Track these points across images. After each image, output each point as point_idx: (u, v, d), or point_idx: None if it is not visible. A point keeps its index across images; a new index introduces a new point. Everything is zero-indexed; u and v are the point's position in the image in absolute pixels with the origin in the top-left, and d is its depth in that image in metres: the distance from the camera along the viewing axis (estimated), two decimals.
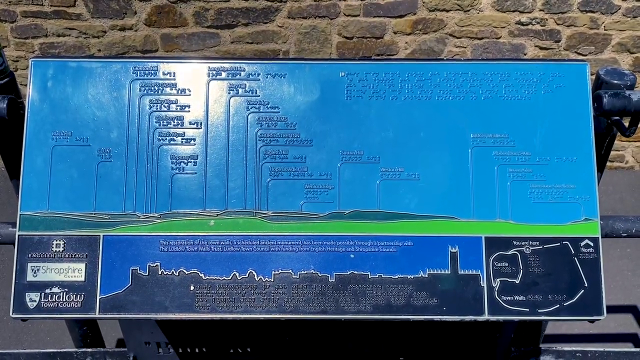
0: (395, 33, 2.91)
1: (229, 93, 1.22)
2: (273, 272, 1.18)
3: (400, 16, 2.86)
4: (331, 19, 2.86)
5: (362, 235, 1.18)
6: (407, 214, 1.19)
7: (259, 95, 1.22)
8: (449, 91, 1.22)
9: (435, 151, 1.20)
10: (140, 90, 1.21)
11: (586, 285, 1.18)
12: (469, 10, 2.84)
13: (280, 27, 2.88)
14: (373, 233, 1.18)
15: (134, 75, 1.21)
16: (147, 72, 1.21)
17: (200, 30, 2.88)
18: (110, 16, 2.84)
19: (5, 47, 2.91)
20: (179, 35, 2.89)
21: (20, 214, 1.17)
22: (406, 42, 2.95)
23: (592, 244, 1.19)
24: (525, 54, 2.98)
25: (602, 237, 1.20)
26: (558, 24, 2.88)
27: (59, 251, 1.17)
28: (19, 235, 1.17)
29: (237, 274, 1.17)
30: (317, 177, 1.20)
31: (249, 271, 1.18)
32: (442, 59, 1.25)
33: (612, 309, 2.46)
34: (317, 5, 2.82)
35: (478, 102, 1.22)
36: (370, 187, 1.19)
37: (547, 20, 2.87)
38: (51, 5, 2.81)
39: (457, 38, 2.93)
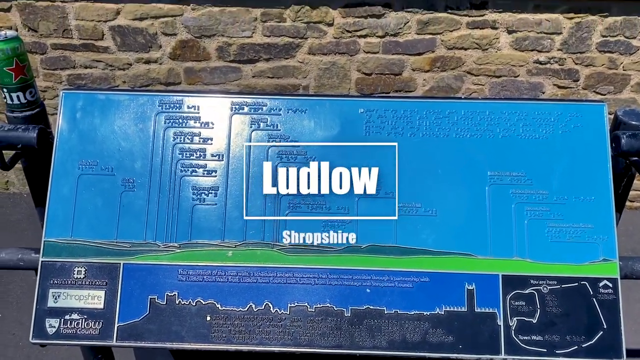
0: (413, 70, 2.95)
1: (251, 127, 1.25)
2: (289, 305, 1.18)
3: (419, 54, 2.91)
4: (351, 56, 2.92)
5: (379, 270, 1.19)
6: (424, 249, 1.19)
7: (280, 130, 1.24)
8: (467, 129, 1.23)
9: (453, 188, 1.21)
10: (165, 123, 1.24)
11: (605, 326, 1.16)
12: (487, 49, 2.88)
13: (301, 62, 2.94)
14: (389, 268, 1.19)
15: (160, 108, 1.25)
16: (172, 105, 1.25)
17: (223, 65, 2.96)
18: (136, 49, 2.92)
19: (35, 77, 3.00)
20: (202, 69, 2.97)
21: (44, 241, 1.20)
22: (424, 79, 2.98)
23: (610, 284, 1.17)
24: (543, 93, 2.99)
25: (621, 278, 1.19)
26: (576, 64, 2.91)
27: (80, 278, 1.19)
28: (42, 262, 1.20)
29: (254, 305, 1.18)
30: (335, 211, 1.21)
31: (265, 303, 1.18)
32: (460, 98, 1.27)
33: (632, 353, 2.39)
34: (337, 42, 2.88)
35: (495, 140, 1.23)
36: (387, 222, 1.20)
37: (565, 59, 2.90)
38: (80, 39, 2.91)
39: (475, 76, 2.96)
